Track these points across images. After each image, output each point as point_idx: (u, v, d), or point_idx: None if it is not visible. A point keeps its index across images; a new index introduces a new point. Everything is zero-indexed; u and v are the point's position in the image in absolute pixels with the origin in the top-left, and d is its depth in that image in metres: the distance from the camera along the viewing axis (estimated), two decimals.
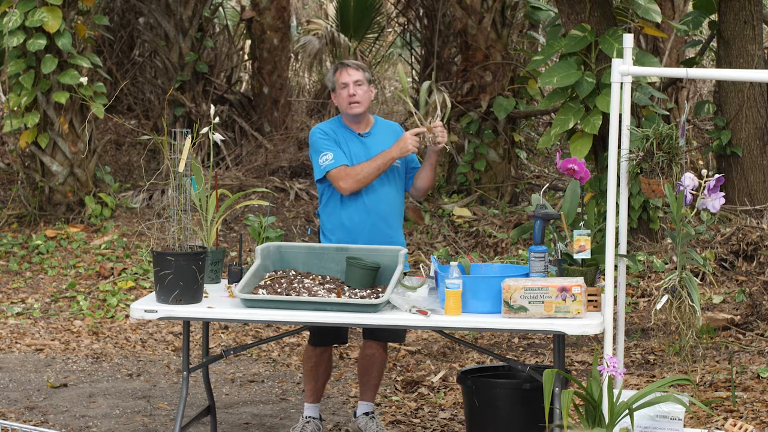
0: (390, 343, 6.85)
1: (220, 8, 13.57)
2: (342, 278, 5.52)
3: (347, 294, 5.33)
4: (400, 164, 5.94)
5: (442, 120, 5.77)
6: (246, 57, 13.82)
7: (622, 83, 5.09)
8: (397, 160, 5.90)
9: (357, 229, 5.86)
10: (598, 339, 7.36)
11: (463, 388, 5.73)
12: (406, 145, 5.77)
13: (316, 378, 6.05)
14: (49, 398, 6.94)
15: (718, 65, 10.03)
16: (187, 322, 5.55)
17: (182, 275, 5.21)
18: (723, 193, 5.01)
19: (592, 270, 5.24)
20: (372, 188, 5.86)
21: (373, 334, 6.02)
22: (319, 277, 5.54)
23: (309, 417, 6.07)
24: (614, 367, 4.84)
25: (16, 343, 8.15)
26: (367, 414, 6.12)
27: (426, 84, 5.94)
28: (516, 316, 5.00)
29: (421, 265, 5.74)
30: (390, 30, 15.39)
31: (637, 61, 8.24)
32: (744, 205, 9.76)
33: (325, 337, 6.02)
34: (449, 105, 5.83)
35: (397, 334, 6.14)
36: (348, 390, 7.11)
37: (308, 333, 6.17)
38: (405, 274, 5.59)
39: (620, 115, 5.10)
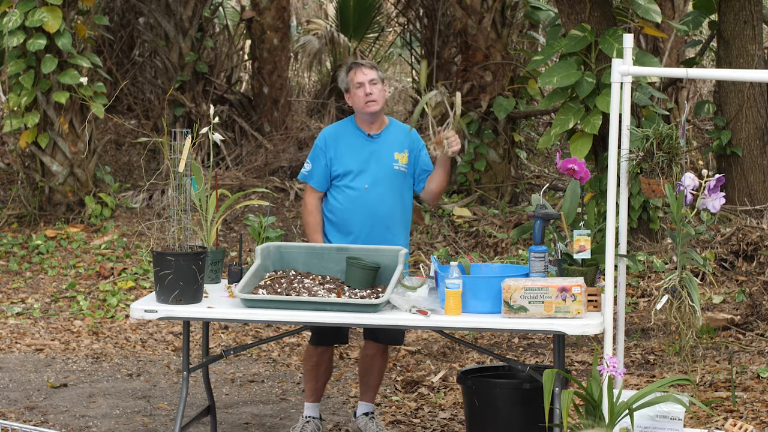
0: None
1: (220, 8, 13.58)
2: (342, 278, 5.52)
3: (347, 294, 5.33)
4: (407, 168, 5.93)
5: (456, 122, 5.73)
6: (246, 57, 13.82)
7: (622, 83, 5.09)
8: (403, 165, 5.90)
9: (350, 227, 5.86)
10: (598, 339, 7.36)
11: (463, 388, 5.73)
12: None
13: (317, 378, 6.06)
14: (49, 398, 6.94)
15: (718, 65, 10.03)
16: (187, 322, 5.54)
17: (182, 275, 5.21)
18: (723, 193, 5.01)
19: (592, 270, 5.24)
20: (372, 191, 5.86)
21: (373, 335, 6.02)
22: (319, 277, 5.54)
23: (309, 417, 6.07)
24: (614, 367, 4.84)
25: (16, 343, 8.15)
26: (366, 414, 6.12)
27: (432, 94, 5.89)
28: (516, 316, 5.00)
29: (421, 265, 5.73)
30: (390, 30, 15.39)
31: (637, 61, 8.23)
32: (744, 205, 9.76)
33: (326, 337, 6.01)
34: (458, 111, 5.73)
35: (397, 335, 6.12)
36: (348, 390, 7.11)
37: (309, 333, 6.16)
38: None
39: (620, 115, 5.09)
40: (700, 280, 8.57)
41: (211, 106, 6.07)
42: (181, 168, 5.32)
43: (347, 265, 5.46)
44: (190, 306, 5.26)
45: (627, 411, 4.84)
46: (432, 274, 5.42)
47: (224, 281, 5.74)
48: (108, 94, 10.49)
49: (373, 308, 5.15)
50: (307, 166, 5.97)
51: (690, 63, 11.23)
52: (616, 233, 5.16)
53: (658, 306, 5.00)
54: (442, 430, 6.32)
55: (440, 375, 7.26)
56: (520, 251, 9.46)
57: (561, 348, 5.18)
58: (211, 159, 5.91)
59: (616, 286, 5.31)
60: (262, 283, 5.43)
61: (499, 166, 10.94)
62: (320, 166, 5.93)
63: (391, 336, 6.04)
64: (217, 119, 5.75)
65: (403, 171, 5.91)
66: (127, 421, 6.50)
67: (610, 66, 5.42)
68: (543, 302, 4.97)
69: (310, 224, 5.95)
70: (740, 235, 8.89)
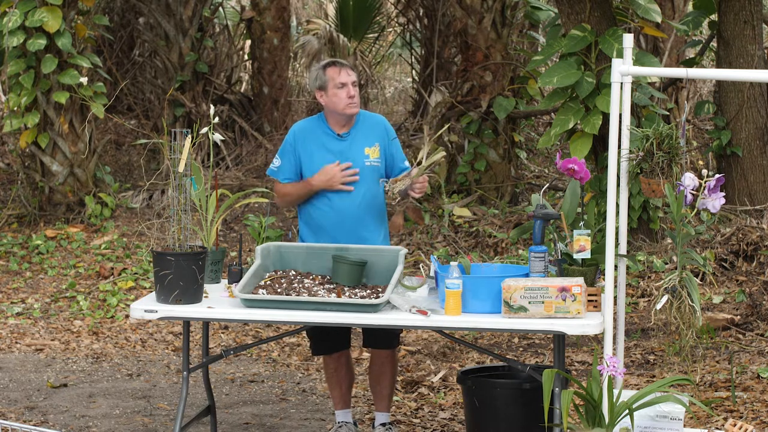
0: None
1: (220, 8, 13.58)
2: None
3: (347, 294, 5.32)
4: (379, 162, 5.82)
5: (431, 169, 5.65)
6: (246, 57, 13.83)
7: (622, 83, 5.09)
8: (375, 159, 5.81)
9: (325, 228, 5.73)
10: (598, 339, 7.36)
11: (463, 388, 5.73)
12: (331, 182, 5.69)
13: (339, 384, 5.95)
14: (49, 398, 6.94)
15: (718, 65, 10.03)
16: (187, 322, 5.54)
17: (182, 275, 5.21)
18: (723, 193, 5.01)
19: (592, 270, 5.24)
20: (346, 192, 5.74)
21: (370, 341, 5.93)
22: (319, 277, 5.54)
23: (341, 422, 5.96)
24: (614, 367, 4.85)
25: (16, 343, 8.15)
26: (383, 425, 5.95)
27: (438, 156, 5.78)
28: (516, 316, 5.00)
29: (421, 265, 5.73)
30: (390, 30, 15.40)
31: (637, 61, 8.24)
32: (744, 205, 9.76)
33: (325, 345, 5.95)
34: (442, 160, 5.64)
35: (391, 338, 5.96)
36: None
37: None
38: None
39: (620, 115, 5.10)
40: (700, 280, 8.57)
41: (211, 106, 6.06)
42: (181, 168, 5.32)
43: (333, 262, 5.45)
44: (190, 306, 5.26)
45: (627, 411, 4.84)
46: (432, 274, 5.42)
47: (224, 281, 5.74)
48: (108, 94, 10.49)
49: (373, 308, 5.15)
50: (276, 162, 5.87)
51: (690, 63, 11.23)
52: (616, 233, 5.16)
53: (658, 306, 5.00)
54: (442, 430, 6.32)
55: (440, 375, 7.26)
56: (520, 251, 9.46)
57: (561, 348, 5.18)
58: (211, 159, 5.91)
59: (616, 286, 5.31)
60: (262, 283, 5.43)
61: (499, 166, 10.94)
62: (290, 163, 5.82)
63: (387, 339, 5.92)
64: (217, 119, 5.75)
65: (376, 165, 5.79)
66: (127, 421, 6.50)
67: (610, 66, 5.42)
68: (543, 302, 4.97)
69: (288, 195, 5.85)
70: (740, 235, 8.89)
